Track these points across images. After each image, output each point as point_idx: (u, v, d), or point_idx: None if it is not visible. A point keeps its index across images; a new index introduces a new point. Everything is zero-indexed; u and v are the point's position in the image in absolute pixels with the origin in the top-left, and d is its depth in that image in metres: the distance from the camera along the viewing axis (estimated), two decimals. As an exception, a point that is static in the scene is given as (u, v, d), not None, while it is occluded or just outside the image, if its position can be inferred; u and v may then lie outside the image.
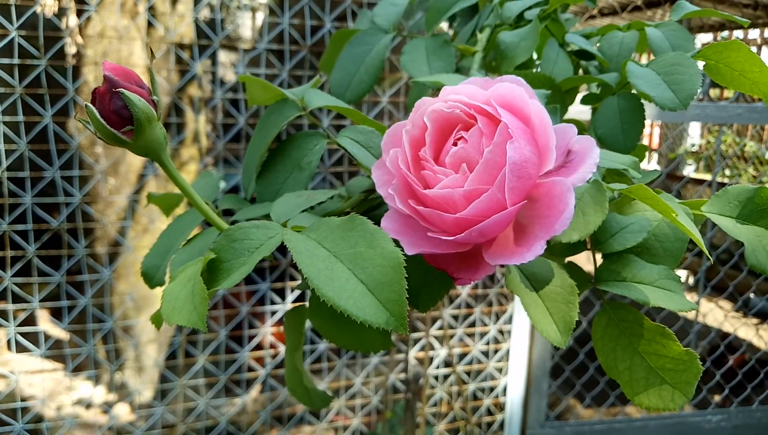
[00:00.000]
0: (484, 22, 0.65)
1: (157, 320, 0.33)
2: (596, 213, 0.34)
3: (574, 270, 0.40)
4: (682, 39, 0.61)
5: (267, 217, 0.38)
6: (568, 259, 0.42)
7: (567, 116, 0.61)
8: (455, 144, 0.33)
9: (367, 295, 0.28)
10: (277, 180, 0.42)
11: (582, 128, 0.61)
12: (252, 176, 0.44)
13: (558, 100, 0.51)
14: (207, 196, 0.45)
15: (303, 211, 0.36)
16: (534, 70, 0.70)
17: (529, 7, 0.60)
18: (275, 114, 0.44)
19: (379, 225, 0.35)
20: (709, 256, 0.34)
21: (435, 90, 0.54)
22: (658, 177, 0.49)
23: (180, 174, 0.34)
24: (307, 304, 0.42)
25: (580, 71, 0.67)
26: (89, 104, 0.32)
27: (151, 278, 0.43)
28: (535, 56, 0.67)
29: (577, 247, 0.38)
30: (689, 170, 3.43)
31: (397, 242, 0.32)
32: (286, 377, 0.44)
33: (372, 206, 0.43)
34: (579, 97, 0.66)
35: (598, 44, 0.66)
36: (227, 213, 0.47)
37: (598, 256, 0.41)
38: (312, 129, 0.45)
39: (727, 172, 3.33)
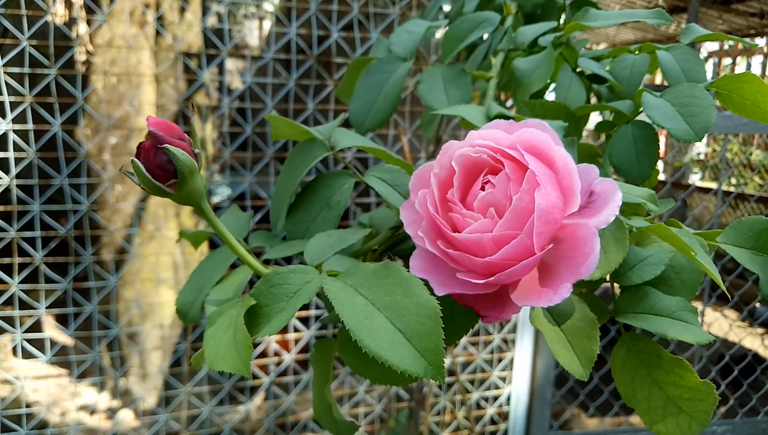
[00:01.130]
0: (497, 46, 0.66)
1: (197, 362, 0.34)
2: (617, 251, 0.35)
3: (593, 301, 0.41)
4: (692, 63, 0.62)
5: (299, 255, 0.39)
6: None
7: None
8: (483, 188, 0.34)
9: (406, 345, 0.29)
10: (306, 218, 0.43)
11: (595, 153, 0.62)
12: (281, 213, 0.45)
13: (573, 128, 0.52)
14: (237, 233, 0.46)
15: (335, 252, 0.37)
16: (547, 93, 0.71)
17: (543, 33, 0.61)
18: (303, 153, 0.45)
19: (407, 259, 0.36)
20: (727, 293, 0.35)
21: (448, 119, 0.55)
22: (663, 186, 0.50)
23: (218, 220, 0.35)
24: (332, 334, 0.42)
25: (592, 94, 0.68)
26: (135, 160, 0.33)
27: (185, 315, 0.44)
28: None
29: (598, 281, 0.39)
30: (695, 179, 3.44)
31: (426, 281, 0.33)
32: (313, 406, 0.45)
33: (397, 241, 0.44)
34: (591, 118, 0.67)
35: (608, 66, 0.67)
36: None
37: (617, 286, 0.42)
38: (340, 168, 0.46)
39: (733, 180, 3.34)
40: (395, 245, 0.43)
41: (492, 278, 0.32)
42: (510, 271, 0.31)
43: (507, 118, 0.47)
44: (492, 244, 0.32)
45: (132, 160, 0.33)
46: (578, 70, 0.65)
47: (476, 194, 0.34)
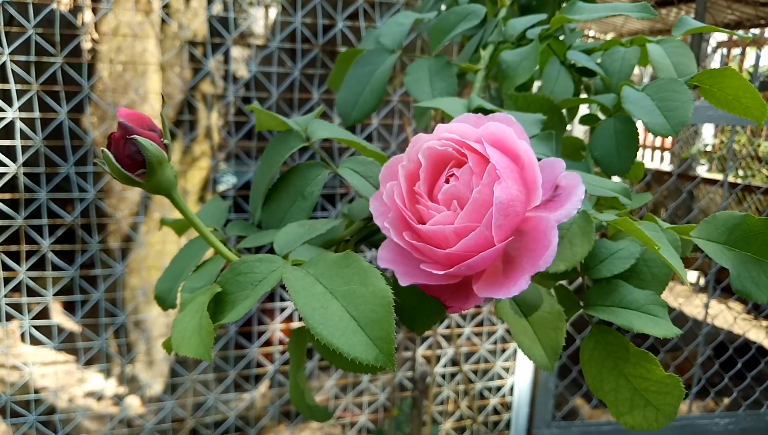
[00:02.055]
0: (488, 38, 0.66)
1: (168, 347, 0.35)
2: (583, 243, 0.36)
3: (563, 294, 0.41)
4: (683, 56, 0.62)
5: (271, 244, 0.40)
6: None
7: (571, 131, 0.62)
8: (447, 181, 0.35)
9: (358, 333, 0.30)
10: (281, 208, 0.44)
11: (581, 146, 0.62)
12: (258, 203, 0.46)
13: (555, 122, 0.52)
14: (215, 222, 0.47)
15: (304, 242, 0.38)
16: (535, 86, 0.71)
17: (532, 26, 0.62)
18: (280, 144, 0.46)
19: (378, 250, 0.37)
20: (687, 283, 0.35)
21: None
22: (664, 180, 0.50)
23: (189, 209, 0.36)
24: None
25: (582, 87, 0.68)
26: (105, 150, 0.34)
27: (164, 301, 0.46)
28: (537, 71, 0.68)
29: (568, 273, 0.40)
30: (702, 170, 3.42)
31: (392, 272, 0.34)
32: (290, 393, 0.46)
33: (371, 232, 0.44)
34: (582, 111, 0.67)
35: (600, 59, 0.67)
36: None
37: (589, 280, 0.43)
38: (314, 159, 0.46)
39: (740, 172, 3.31)
40: (369, 236, 0.44)
41: (453, 269, 0.32)
42: (470, 262, 0.32)
43: (485, 111, 0.47)
44: (453, 235, 0.33)
45: (102, 151, 0.34)
46: (569, 63, 0.65)
47: (441, 187, 0.35)
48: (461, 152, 0.35)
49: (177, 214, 1.71)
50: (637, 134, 0.51)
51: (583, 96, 0.68)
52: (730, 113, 0.49)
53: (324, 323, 0.30)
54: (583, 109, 0.70)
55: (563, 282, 0.44)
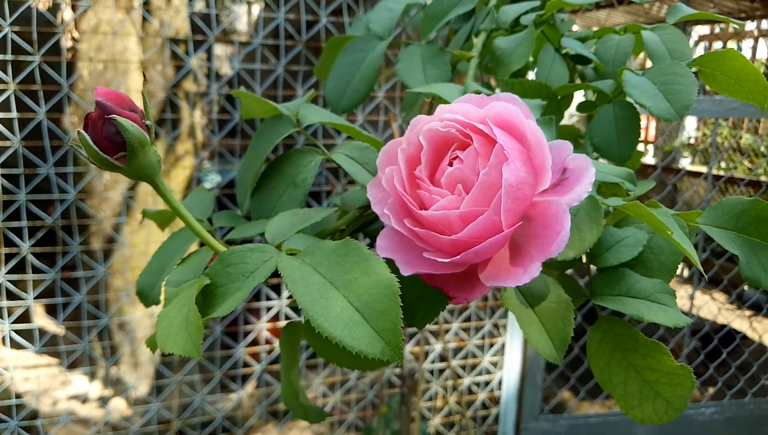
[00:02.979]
0: (480, 26, 0.65)
1: (152, 344, 0.33)
2: (592, 230, 0.34)
3: (568, 283, 0.40)
4: (678, 43, 0.61)
5: (262, 235, 0.37)
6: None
7: (563, 120, 0.60)
8: (451, 164, 0.33)
9: (363, 325, 0.28)
10: (271, 197, 0.42)
11: (578, 135, 0.61)
12: (247, 193, 0.44)
13: (554, 108, 0.51)
14: (201, 213, 0.45)
15: (298, 231, 0.36)
16: (530, 74, 0.70)
17: (525, 12, 0.60)
18: (269, 130, 0.44)
19: (375, 240, 0.35)
20: (703, 273, 0.34)
21: (431, 99, 0.54)
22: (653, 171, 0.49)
23: (173, 196, 0.34)
24: (302, 319, 0.41)
25: (576, 75, 0.67)
26: (81, 130, 0.31)
27: (146, 297, 0.43)
28: (531, 60, 0.67)
29: (573, 262, 0.38)
30: (685, 163, 3.44)
31: (391, 261, 0.32)
32: (281, 392, 0.44)
33: (368, 221, 0.43)
34: (575, 100, 0.66)
35: (594, 47, 0.66)
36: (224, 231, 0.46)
37: (594, 268, 0.42)
38: (307, 145, 0.44)
39: (723, 164, 3.34)
40: (365, 226, 0.42)
41: (458, 257, 0.30)
42: (477, 248, 0.30)
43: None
44: (459, 221, 0.31)
45: (78, 132, 0.31)
46: (563, 51, 0.64)
47: (444, 170, 0.33)
48: (465, 133, 0.33)
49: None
50: (639, 120, 0.50)
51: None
52: (732, 98, 0.48)
53: (325, 315, 0.28)
54: (577, 98, 0.69)
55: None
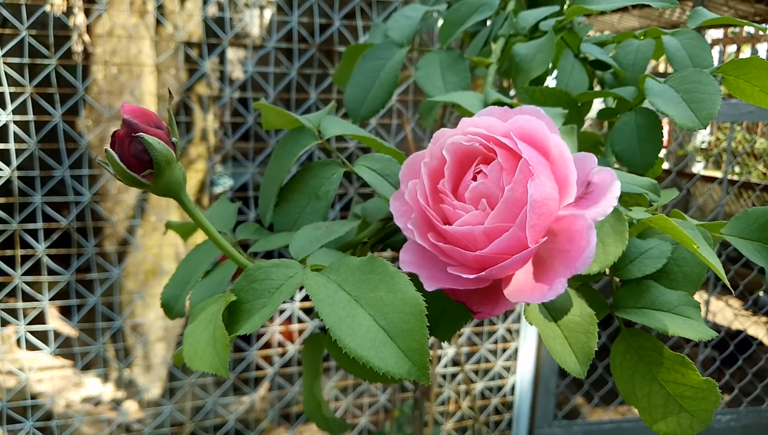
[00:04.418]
0: (497, 32, 0.64)
1: (179, 360, 0.32)
2: (616, 243, 0.34)
3: (591, 295, 0.39)
4: (699, 48, 0.60)
5: (285, 247, 0.37)
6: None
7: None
8: (475, 178, 0.33)
9: (389, 344, 0.27)
10: (294, 210, 0.42)
11: (598, 141, 0.60)
12: (269, 205, 0.43)
13: (574, 116, 0.50)
14: (224, 225, 0.45)
15: (322, 245, 0.36)
16: (548, 79, 0.69)
17: (545, 18, 0.60)
18: (292, 142, 0.44)
19: (398, 251, 0.35)
20: (730, 287, 0.33)
21: (451, 106, 0.54)
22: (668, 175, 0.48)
23: (198, 212, 0.34)
24: (316, 322, 0.41)
25: (595, 80, 0.66)
26: (109, 149, 0.32)
27: (171, 310, 0.43)
28: (549, 65, 0.66)
29: (596, 275, 0.38)
30: (699, 167, 3.41)
31: (414, 275, 0.32)
32: (303, 403, 0.43)
33: (389, 233, 0.42)
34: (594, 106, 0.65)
35: (613, 52, 0.65)
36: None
37: (617, 280, 0.41)
38: (329, 157, 0.44)
39: (737, 169, 3.31)
40: (387, 238, 0.42)
41: (483, 273, 0.30)
42: (502, 265, 0.30)
43: (504, 105, 0.45)
44: (483, 236, 0.31)
45: (105, 150, 0.31)
46: (581, 56, 0.63)
47: (468, 184, 0.33)
48: (489, 147, 0.32)
49: (175, 217, 1.67)
50: (661, 128, 0.49)
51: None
52: (755, 106, 0.48)
53: (351, 334, 0.27)
54: (597, 105, 0.68)
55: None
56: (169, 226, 0.50)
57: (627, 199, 0.45)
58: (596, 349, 0.35)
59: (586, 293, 0.39)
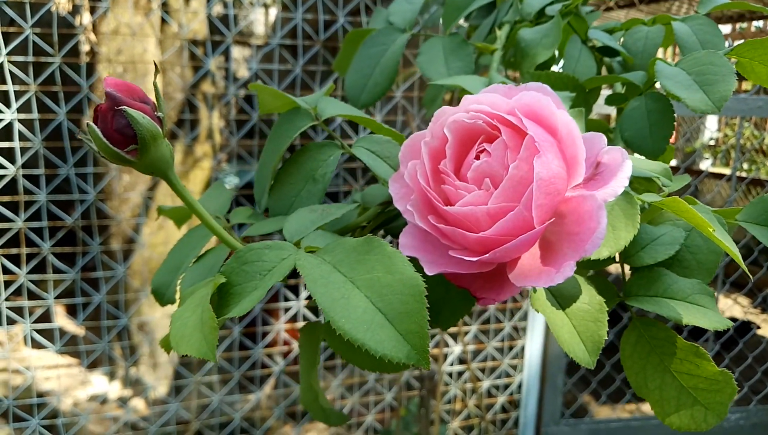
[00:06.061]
0: (503, 18, 0.63)
1: (166, 345, 0.31)
2: (627, 227, 0.32)
3: (600, 283, 0.38)
4: (711, 34, 0.58)
5: (281, 232, 0.36)
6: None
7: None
8: (478, 157, 0.31)
9: (387, 327, 0.26)
10: (290, 193, 0.41)
11: (606, 129, 0.59)
12: (264, 189, 0.42)
13: (582, 101, 0.49)
14: (218, 209, 0.43)
15: (317, 228, 0.35)
16: (555, 68, 0.68)
17: (551, 3, 0.58)
18: (287, 123, 0.42)
19: (398, 238, 0.33)
20: (748, 274, 0.32)
21: (453, 91, 0.52)
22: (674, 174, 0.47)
23: (187, 191, 0.33)
24: (322, 320, 0.40)
25: (603, 68, 0.65)
26: (91, 123, 0.30)
27: (162, 296, 0.42)
28: (556, 53, 0.65)
29: (606, 260, 0.36)
30: (706, 164, 3.38)
31: (415, 259, 0.31)
32: (300, 394, 0.42)
33: (389, 218, 0.41)
34: (602, 94, 0.64)
35: (621, 39, 0.64)
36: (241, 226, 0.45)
37: (627, 268, 0.40)
38: (326, 139, 0.43)
39: (746, 165, 3.27)
40: (387, 223, 0.41)
41: (487, 256, 0.29)
42: (506, 247, 0.28)
43: (509, 88, 0.44)
44: (487, 217, 0.29)
45: (87, 124, 0.30)
46: (589, 43, 0.61)
47: (470, 164, 0.31)
48: (493, 125, 0.31)
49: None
50: (672, 112, 0.48)
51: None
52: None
53: (346, 316, 0.26)
54: (603, 92, 0.66)
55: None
56: (161, 210, 0.49)
57: (637, 185, 0.44)
58: (606, 338, 0.33)
59: (595, 281, 0.38)
